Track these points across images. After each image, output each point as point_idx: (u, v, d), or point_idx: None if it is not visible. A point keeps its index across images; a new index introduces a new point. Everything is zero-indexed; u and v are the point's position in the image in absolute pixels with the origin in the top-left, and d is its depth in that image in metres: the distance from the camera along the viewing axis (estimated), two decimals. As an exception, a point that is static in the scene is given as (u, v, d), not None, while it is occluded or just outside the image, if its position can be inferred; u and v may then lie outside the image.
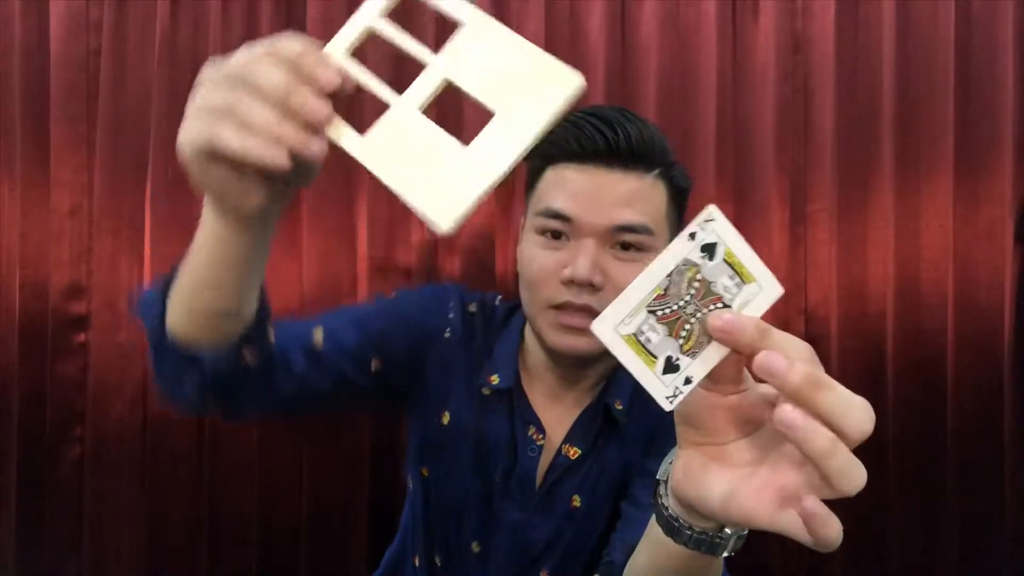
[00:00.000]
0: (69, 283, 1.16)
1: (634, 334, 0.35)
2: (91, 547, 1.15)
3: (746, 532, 0.41)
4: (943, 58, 1.12)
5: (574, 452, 0.75)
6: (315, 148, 0.36)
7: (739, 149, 1.19)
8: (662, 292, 0.35)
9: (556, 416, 0.76)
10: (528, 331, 0.77)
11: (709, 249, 0.35)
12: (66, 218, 1.16)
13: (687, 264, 0.35)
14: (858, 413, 0.32)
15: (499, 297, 0.84)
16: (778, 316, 1.17)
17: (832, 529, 0.33)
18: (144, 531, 1.15)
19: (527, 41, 0.35)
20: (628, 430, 0.76)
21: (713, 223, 0.35)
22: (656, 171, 0.69)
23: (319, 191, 1.15)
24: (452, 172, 0.34)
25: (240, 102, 0.35)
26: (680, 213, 0.75)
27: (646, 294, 0.35)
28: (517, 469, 0.75)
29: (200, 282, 0.48)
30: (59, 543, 1.16)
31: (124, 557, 1.15)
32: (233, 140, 0.35)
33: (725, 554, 0.42)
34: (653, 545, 0.46)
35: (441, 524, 0.79)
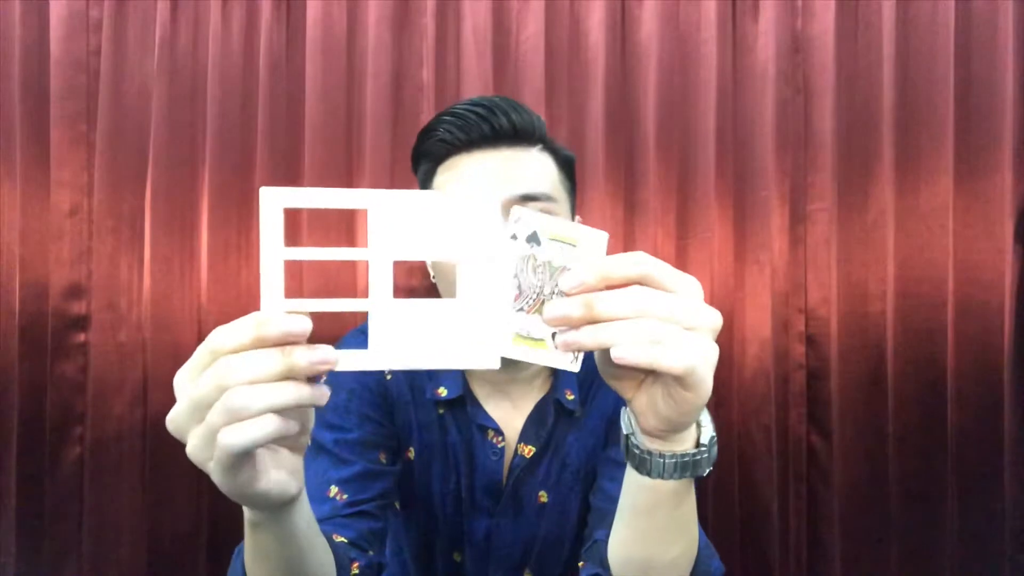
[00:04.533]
0: (69, 283, 1.16)
1: (517, 333, 0.40)
2: (91, 547, 1.15)
3: (715, 445, 0.46)
4: (943, 58, 1.12)
5: (529, 450, 0.76)
6: (324, 396, 0.36)
7: (739, 149, 1.19)
8: (517, 292, 0.40)
9: (510, 415, 0.77)
10: None
11: (533, 238, 0.40)
12: (66, 218, 1.16)
13: (524, 259, 0.40)
14: (622, 301, 0.37)
15: None
16: (778, 316, 1.17)
17: (633, 351, 0.36)
18: (144, 531, 1.15)
19: (429, 191, 0.38)
20: (586, 420, 0.77)
21: (522, 219, 0.40)
22: (540, 145, 0.72)
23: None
24: (466, 321, 0.38)
25: (240, 399, 0.34)
26: (572, 183, 0.77)
27: (507, 300, 0.40)
28: (481, 477, 0.76)
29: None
30: (59, 543, 1.16)
31: (124, 557, 1.15)
32: (247, 433, 0.35)
33: (708, 470, 0.46)
34: (635, 498, 0.49)
35: (420, 542, 0.81)
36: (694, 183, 1.19)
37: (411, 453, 0.78)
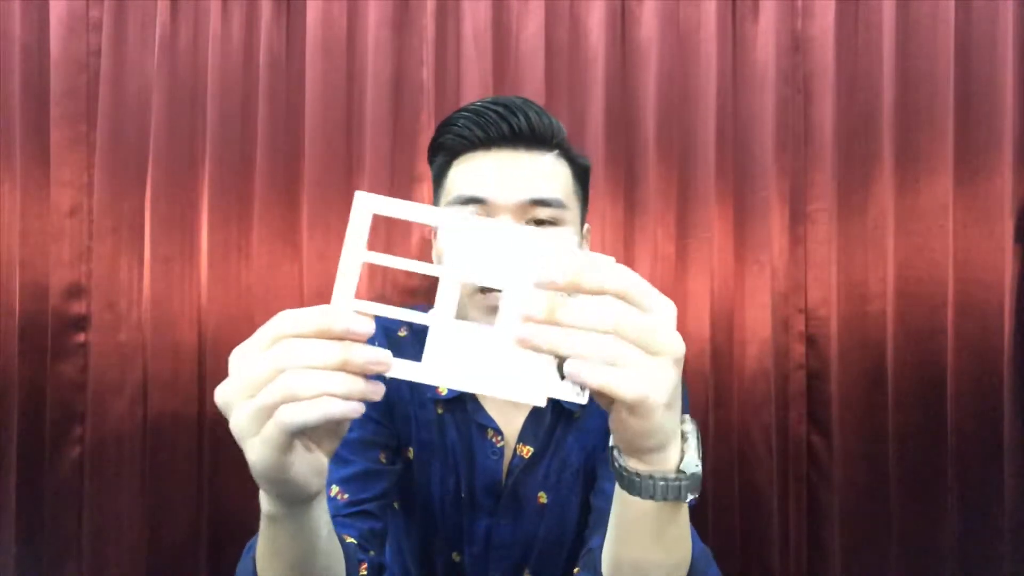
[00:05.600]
0: (69, 283, 1.16)
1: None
2: (91, 547, 1.15)
3: (700, 473, 0.44)
4: (943, 58, 1.12)
5: (527, 451, 0.76)
6: (378, 392, 0.38)
7: (739, 149, 1.19)
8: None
9: (511, 415, 0.77)
10: None
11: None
12: (66, 218, 1.16)
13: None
14: (590, 313, 0.36)
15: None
16: (778, 316, 1.17)
17: (586, 371, 0.36)
18: (144, 531, 1.15)
19: (501, 219, 0.38)
20: (586, 421, 0.77)
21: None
22: (557, 151, 0.72)
23: (319, 190, 1.15)
24: (520, 353, 0.38)
25: (299, 381, 0.35)
26: (585, 192, 0.77)
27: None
28: (480, 476, 0.76)
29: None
30: (59, 543, 1.16)
31: (124, 557, 1.15)
32: (307, 411, 0.35)
33: (690, 497, 0.44)
34: (621, 509, 0.48)
35: (420, 542, 0.81)
36: (694, 183, 1.19)
37: (410, 452, 0.78)
